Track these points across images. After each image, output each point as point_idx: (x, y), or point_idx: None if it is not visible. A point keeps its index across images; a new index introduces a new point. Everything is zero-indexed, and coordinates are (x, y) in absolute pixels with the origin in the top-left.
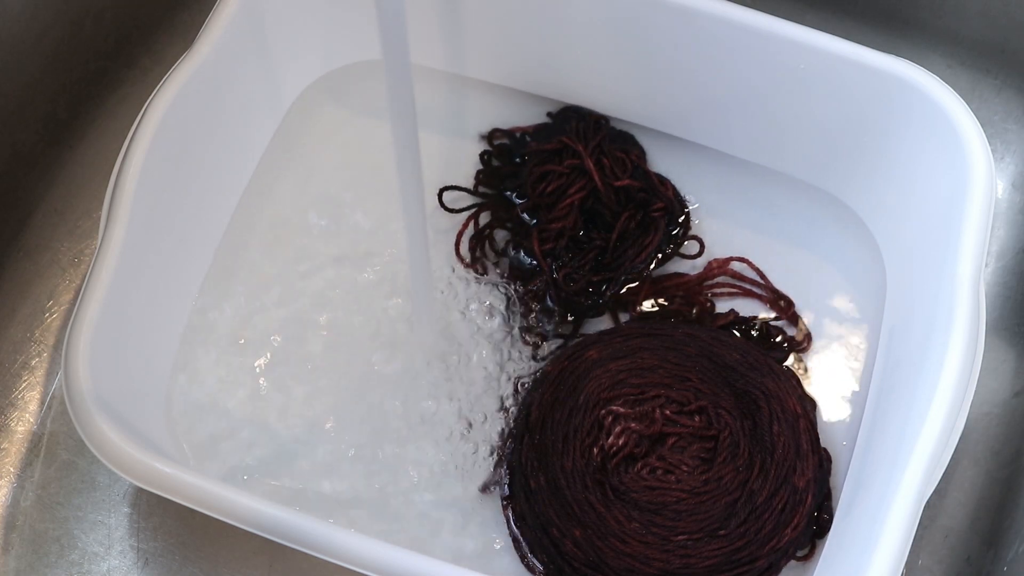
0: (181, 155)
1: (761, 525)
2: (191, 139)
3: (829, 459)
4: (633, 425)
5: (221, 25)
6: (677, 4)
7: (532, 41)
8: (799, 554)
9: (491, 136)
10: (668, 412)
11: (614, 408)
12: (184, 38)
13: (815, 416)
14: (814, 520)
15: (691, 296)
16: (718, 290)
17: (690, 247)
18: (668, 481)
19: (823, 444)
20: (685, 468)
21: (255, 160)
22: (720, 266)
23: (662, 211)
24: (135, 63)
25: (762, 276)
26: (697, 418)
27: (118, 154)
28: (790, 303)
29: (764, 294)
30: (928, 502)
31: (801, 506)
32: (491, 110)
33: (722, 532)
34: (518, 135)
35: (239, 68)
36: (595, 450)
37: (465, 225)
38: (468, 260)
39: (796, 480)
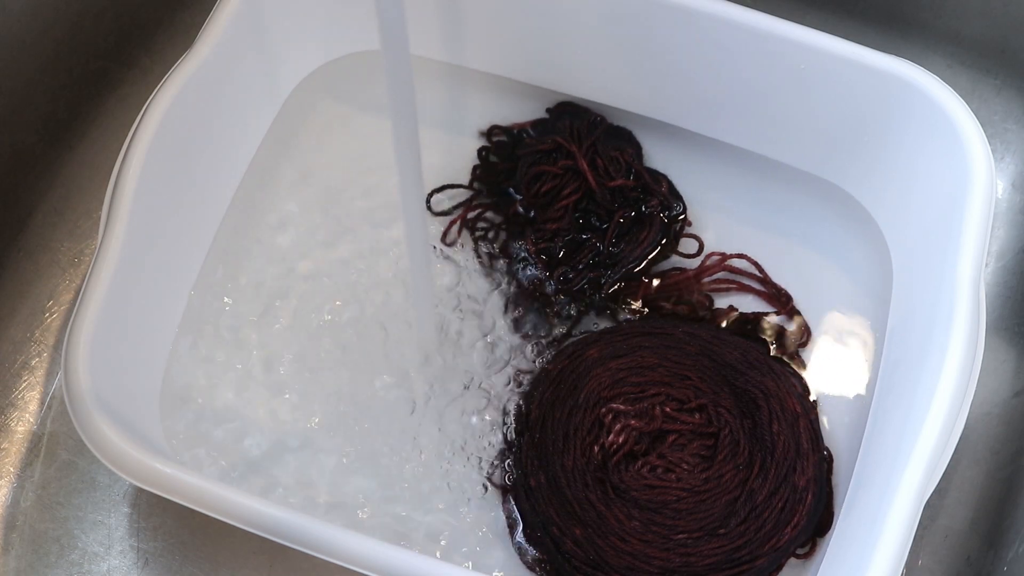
0: (181, 155)
1: (761, 524)
2: (191, 138)
3: (831, 458)
4: (633, 422)
5: (221, 25)
6: (678, 4)
7: (532, 31)
8: (799, 552)
9: (490, 133)
10: (668, 409)
11: (614, 406)
12: (184, 38)
13: (816, 415)
14: (815, 519)
15: (688, 293)
16: (716, 286)
17: (689, 246)
18: (668, 479)
19: (825, 443)
20: (685, 466)
21: (253, 157)
22: (718, 262)
23: (657, 208)
24: (135, 63)
25: (760, 270)
26: (697, 416)
27: (118, 154)
28: (788, 298)
29: (762, 289)
30: (928, 502)
31: (801, 505)
32: (489, 105)
33: (722, 531)
34: (516, 131)
35: (239, 67)
36: (595, 448)
37: (462, 215)
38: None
39: (796, 479)
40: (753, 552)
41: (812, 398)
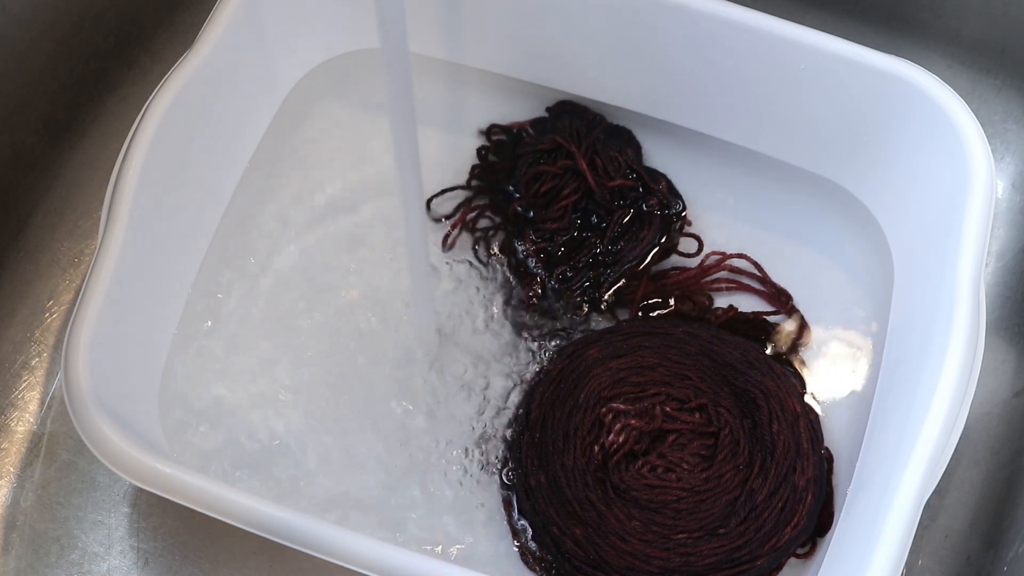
0: (181, 154)
1: (761, 524)
2: (191, 138)
3: (830, 458)
4: (633, 422)
5: (221, 25)
6: (678, 4)
7: (531, 29)
8: (799, 552)
9: (489, 132)
10: (668, 409)
11: (614, 406)
12: (184, 38)
13: (816, 415)
14: (815, 519)
15: (688, 292)
16: (716, 286)
17: (689, 246)
18: (668, 479)
19: (825, 443)
20: (685, 466)
21: (255, 157)
22: (718, 262)
23: (656, 207)
24: (135, 63)
25: (760, 270)
26: (697, 415)
27: (118, 154)
28: (788, 297)
29: (762, 289)
30: (928, 502)
31: (801, 505)
32: (489, 105)
33: (722, 531)
34: (516, 130)
35: (239, 67)
36: (595, 448)
37: (461, 218)
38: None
39: (796, 479)
40: (753, 552)
41: (811, 398)
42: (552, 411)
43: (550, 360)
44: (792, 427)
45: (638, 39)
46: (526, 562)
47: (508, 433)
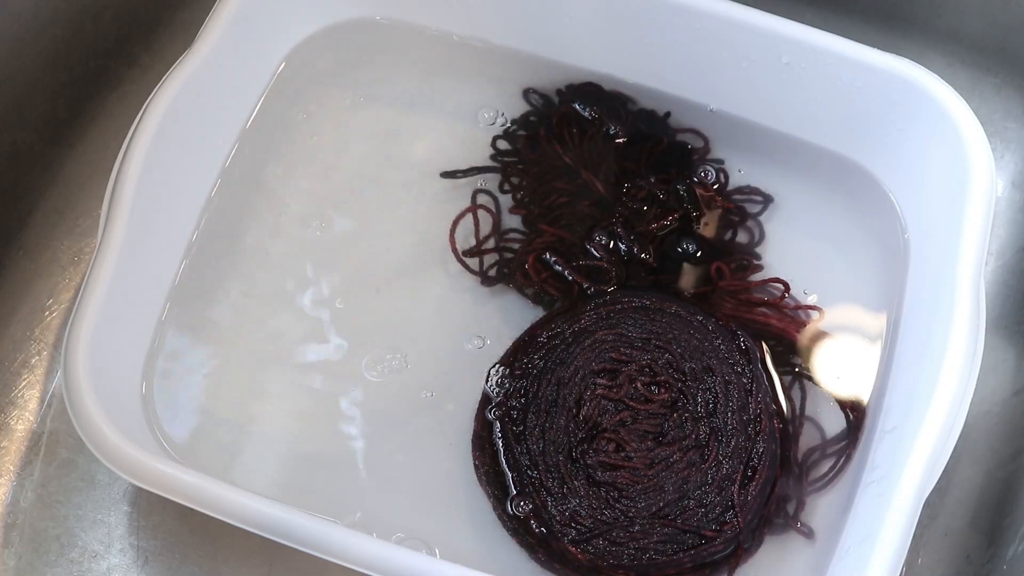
0: (181, 153)
1: (714, 503)
2: (191, 137)
3: (788, 436)
4: (606, 396)
5: (221, 23)
6: (682, 4)
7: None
8: (746, 546)
9: (527, 95)
10: (638, 385)
11: (595, 380)
12: (184, 36)
13: (784, 417)
14: (766, 501)
15: (719, 300)
16: (742, 310)
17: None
18: (620, 459)
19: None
20: (646, 446)
21: (253, 156)
22: (761, 280)
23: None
24: (135, 62)
25: (788, 291)
26: (663, 393)
27: (118, 153)
28: (803, 324)
29: (783, 316)
30: (928, 501)
31: (751, 484)
32: (504, 99)
33: (676, 510)
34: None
35: (239, 65)
36: (573, 423)
37: (463, 212)
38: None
39: (752, 460)
40: (705, 535)
41: (799, 398)
42: (539, 382)
43: (538, 325)
44: (753, 411)
45: (641, 36)
46: (507, 528)
47: (494, 395)
